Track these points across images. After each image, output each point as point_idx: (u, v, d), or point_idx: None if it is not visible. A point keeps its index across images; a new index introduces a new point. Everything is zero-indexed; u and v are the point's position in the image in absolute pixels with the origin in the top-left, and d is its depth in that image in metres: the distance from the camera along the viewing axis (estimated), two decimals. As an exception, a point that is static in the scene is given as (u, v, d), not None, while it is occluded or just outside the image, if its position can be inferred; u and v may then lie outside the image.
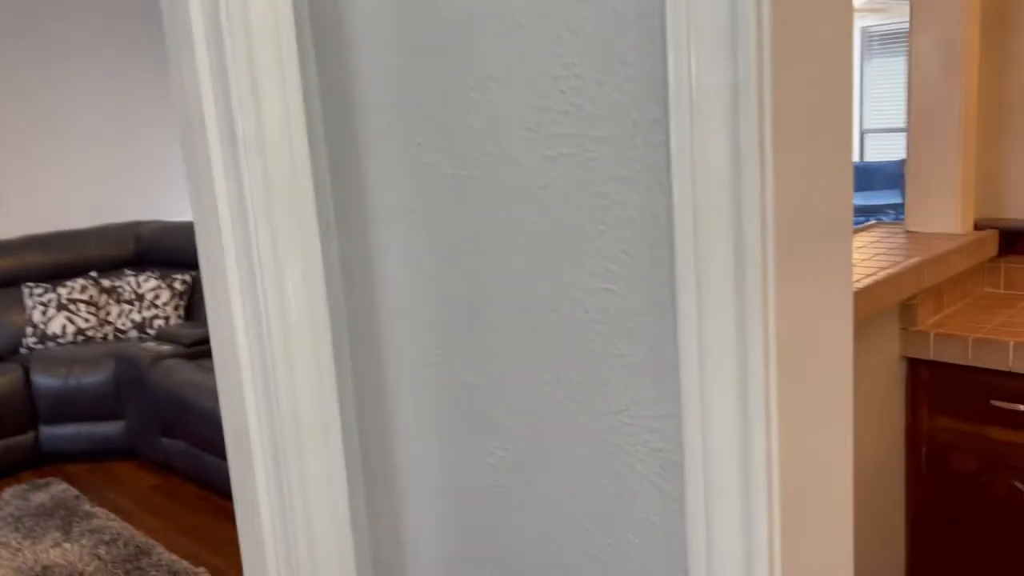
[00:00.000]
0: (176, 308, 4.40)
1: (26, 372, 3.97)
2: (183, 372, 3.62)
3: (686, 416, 0.61)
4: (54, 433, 3.98)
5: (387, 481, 0.91)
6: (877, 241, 2.04)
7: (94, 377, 3.95)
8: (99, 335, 4.36)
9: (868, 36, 7.66)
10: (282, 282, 0.86)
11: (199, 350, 3.88)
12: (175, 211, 5.37)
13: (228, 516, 3.36)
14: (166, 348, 3.85)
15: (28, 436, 3.95)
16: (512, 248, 0.73)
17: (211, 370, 3.59)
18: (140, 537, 3.16)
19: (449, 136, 0.76)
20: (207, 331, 3.95)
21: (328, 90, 0.86)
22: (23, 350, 4.28)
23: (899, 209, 6.27)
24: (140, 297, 4.39)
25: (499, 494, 0.79)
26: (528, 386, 0.75)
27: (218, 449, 3.36)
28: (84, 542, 3.14)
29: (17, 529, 3.28)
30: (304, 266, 0.86)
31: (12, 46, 4.69)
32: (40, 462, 4.01)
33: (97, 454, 4.03)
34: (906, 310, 1.83)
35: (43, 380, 3.95)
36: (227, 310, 0.90)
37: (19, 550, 3.11)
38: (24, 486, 3.70)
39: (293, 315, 0.86)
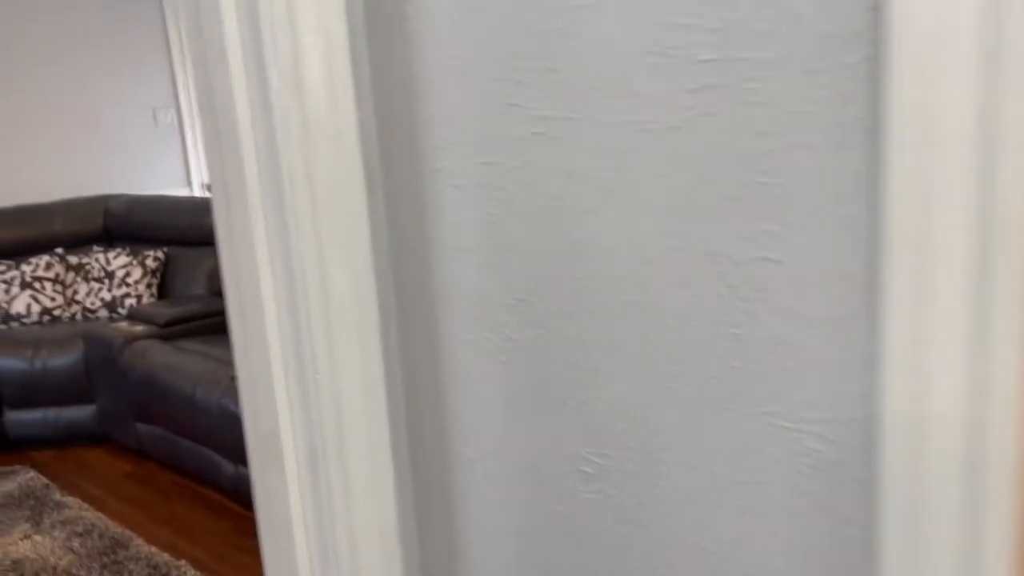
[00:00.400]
0: (148, 286, 4.19)
1: (-12, 354, 3.74)
2: (158, 354, 3.42)
3: (887, 422, 0.47)
4: (20, 418, 3.77)
5: (444, 491, 0.76)
6: None
7: (62, 359, 3.74)
8: (66, 315, 4.14)
9: None
10: (322, 252, 0.71)
11: (174, 330, 3.69)
12: (143, 185, 5.12)
13: (207, 505, 3.19)
14: (139, 328, 3.65)
15: (-8, 422, 3.73)
16: (626, 208, 0.58)
17: (188, 351, 3.40)
18: (116, 528, 2.99)
19: (543, 68, 0.61)
20: (182, 310, 3.75)
21: (375, 9, 0.70)
22: (-15, 331, 4.04)
23: None
24: (110, 275, 4.17)
25: (596, 510, 0.65)
26: (642, 380, 0.60)
27: (196, 434, 3.18)
28: (56, 534, 2.96)
29: (-18, 521, 3.08)
30: (348, 230, 0.71)
31: (-32, 7, 4.41)
32: (5, 449, 3.80)
33: (66, 440, 3.83)
34: None
35: (7, 362, 3.73)
36: (253, 286, 0.74)
37: (-15, 544, 2.92)
38: (-11, 475, 3.49)
39: (335, 290, 0.71)
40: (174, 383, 3.23)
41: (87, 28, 4.83)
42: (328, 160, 0.70)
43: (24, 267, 4.11)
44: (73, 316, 4.15)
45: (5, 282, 4.07)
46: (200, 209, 4.26)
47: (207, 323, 3.80)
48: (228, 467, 3.08)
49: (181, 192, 5.28)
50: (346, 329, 0.71)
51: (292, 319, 0.72)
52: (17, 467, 3.56)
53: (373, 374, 0.73)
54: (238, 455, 2.99)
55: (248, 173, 0.73)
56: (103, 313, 4.13)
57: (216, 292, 4.10)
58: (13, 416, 3.76)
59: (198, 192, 5.38)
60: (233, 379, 3.06)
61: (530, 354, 0.67)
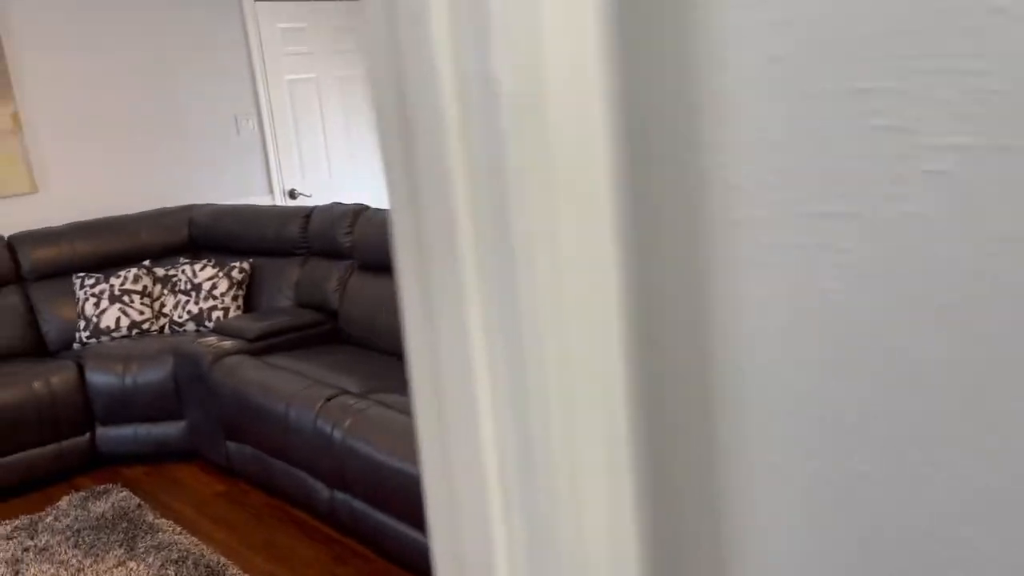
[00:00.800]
0: (235, 299, 4.10)
1: (80, 370, 3.69)
2: (248, 370, 3.30)
3: None
4: (111, 434, 3.71)
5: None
6: None
7: (152, 374, 3.66)
8: (154, 328, 4.08)
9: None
10: (561, 306, 0.50)
11: (263, 345, 3.57)
12: (225, 193, 5.06)
13: (303, 529, 3.05)
14: (228, 343, 3.55)
15: (84, 438, 3.68)
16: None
17: (279, 368, 3.27)
18: (211, 554, 2.86)
19: (953, 69, 0.38)
20: (271, 324, 3.63)
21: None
22: (76, 345, 4.01)
23: None
24: (196, 287, 4.09)
25: None
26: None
27: (290, 456, 3.04)
28: (151, 560, 2.85)
29: (77, 545, 3.00)
30: (595, 283, 0.50)
31: (60, 30, 4.39)
32: (95, 464, 3.75)
33: (156, 456, 3.75)
34: None
35: (98, 378, 3.68)
36: (457, 351, 0.53)
37: (80, 570, 2.83)
38: (82, 494, 3.43)
39: (579, 371, 0.50)
40: (266, 402, 3.10)
41: (170, 36, 4.78)
42: (574, 184, 0.49)
43: (113, 280, 4.07)
44: (161, 329, 4.09)
45: (95, 295, 4.03)
46: (285, 218, 4.15)
47: (296, 337, 3.68)
48: (323, 491, 2.93)
49: (263, 200, 5.21)
50: (593, 436, 0.50)
51: (517, 413, 0.51)
52: (109, 486, 3.49)
53: (622, 502, 0.51)
54: (334, 480, 2.83)
55: (455, 191, 0.52)
56: (190, 326, 4.06)
57: (303, 304, 3.98)
58: (104, 432, 3.70)
59: (280, 200, 5.30)
60: (330, 399, 2.91)
61: (868, 499, 0.45)
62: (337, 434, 2.76)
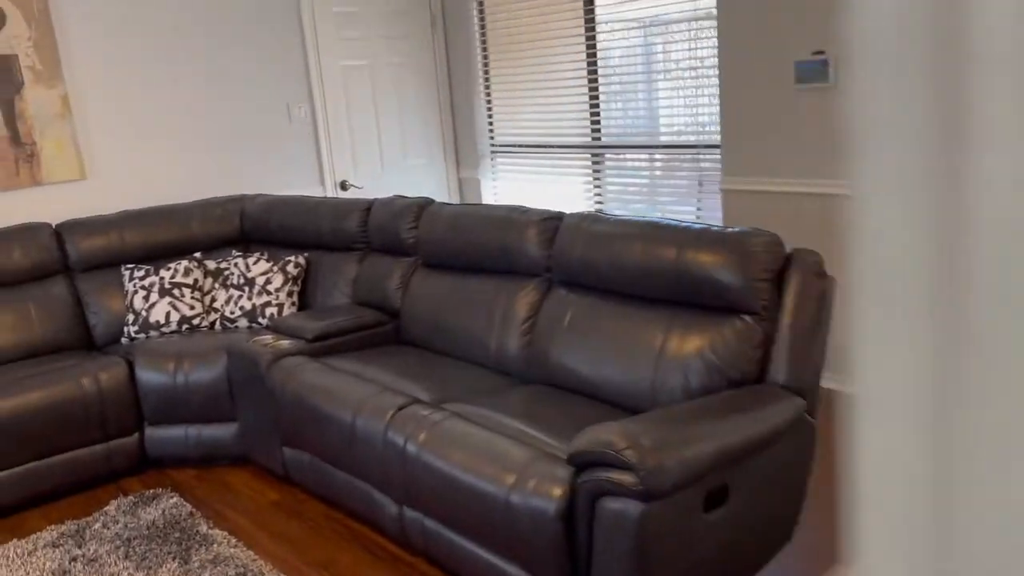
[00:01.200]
0: (290, 295, 3.90)
1: (130, 367, 3.52)
2: (308, 373, 3.10)
3: None
4: (160, 435, 3.53)
5: None
6: None
7: (204, 373, 3.48)
8: (205, 323, 3.89)
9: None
10: None
11: (323, 346, 3.37)
12: (276, 184, 4.87)
13: (366, 547, 2.85)
14: (286, 343, 3.35)
15: (132, 438, 3.50)
16: None
17: (342, 372, 3.06)
18: (270, 571, 2.67)
19: None
20: (331, 323, 3.43)
21: None
22: (124, 340, 3.84)
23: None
24: (250, 282, 3.90)
25: None
26: None
27: (353, 467, 2.84)
28: (206, 577, 2.66)
29: (128, 556, 2.82)
30: None
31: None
32: (144, 467, 3.57)
33: (206, 459, 3.57)
34: None
35: (148, 375, 3.50)
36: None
37: (133, 585, 2.64)
38: (131, 498, 3.25)
39: None
40: (330, 409, 2.90)
41: (222, 20, 4.60)
42: None
43: (163, 272, 3.89)
44: (212, 325, 3.91)
45: (144, 288, 3.85)
46: (343, 211, 3.94)
47: (357, 337, 3.47)
48: (391, 507, 2.72)
49: (314, 191, 5.02)
50: None
51: None
52: (159, 490, 3.31)
53: None
54: (404, 496, 2.62)
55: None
56: (243, 323, 3.87)
57: (361, 302, 3.77)
58: (153, 433, 3.53)
59: (331, 191, 5.10)
60: (401, 408, 2.69)
61: None
62: (411, 447, 2.55)
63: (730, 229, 2.54)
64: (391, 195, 3.92)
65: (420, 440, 2.54)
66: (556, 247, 2.99)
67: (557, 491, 2.12)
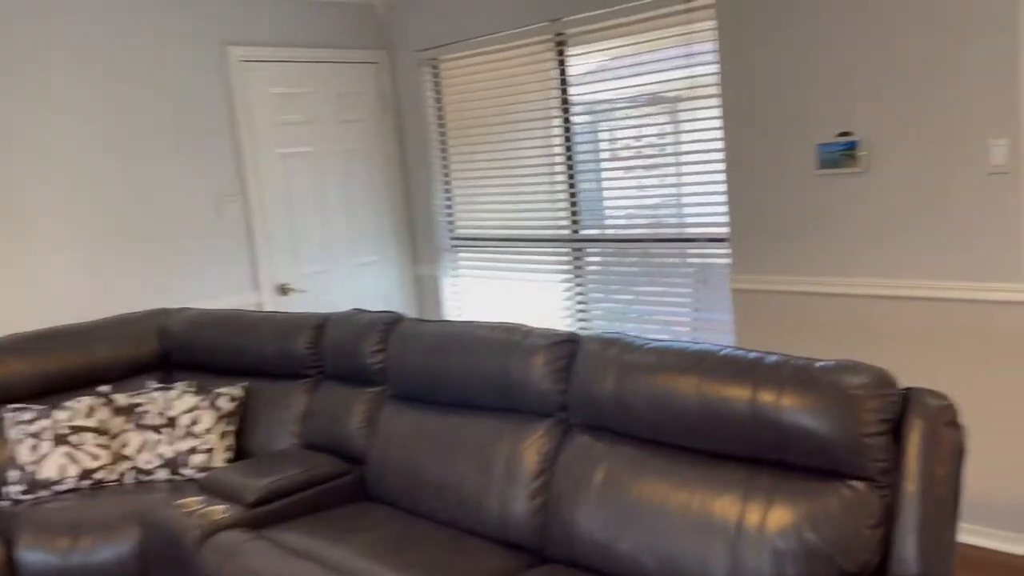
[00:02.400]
0: (223, 437, 3.13)
1: (7, 544, 2.67)
2: (253, 556, 2.33)
3: None
4: (48, 636, 2.67)
5: None
6: None
7: (108, 552, 2.66)
8: (112, 477, 3.08)
9: None
10: None
11: (268, 511, 2.61)
12: (200, 291, 4.12)
13: None
14: (219, 509, 2.58)
15: (9, 645, 2.63)
16: None
17: (295, 554, 2.31)
18: None
19: None
20: (277, 480, 2.68)
21: None
22: (5, 503, 2.98)
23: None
24: (171, 422, 3.12)
25: None
26: None
27: None
28: None
29: None
30: None
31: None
32: (26, 677, 2.69)
33: (112, 664, 2.71)
34: None
35: (33, 556, 2.66)
36: None
37: None
38: None
39: None
40: (283, 615, 2.13)
41: (142, 101, 3.91)
42: None
43: (58, 414, 3.07)
44: (121, 479, 3.09)
45: (32, 435, 3.03)
46: (289, 328, 3.22)
47: (312, 494, 2.72)
48: None
49: (248, 298, 4.28)
50: None
51: None
52: None
53: None
54: None
55: None
56: (162, 474, 3.07)
57: (313, 444, 3.02)
58: (39, 634, 2.66)
59: (268, 297, 4.37)
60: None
61: None
62: None
63: (819, 363, 1.94)
64: (349, 309, 3.23)
65: (417, 674, 1.80)
66: (575, 380, 2.34)
67: None
